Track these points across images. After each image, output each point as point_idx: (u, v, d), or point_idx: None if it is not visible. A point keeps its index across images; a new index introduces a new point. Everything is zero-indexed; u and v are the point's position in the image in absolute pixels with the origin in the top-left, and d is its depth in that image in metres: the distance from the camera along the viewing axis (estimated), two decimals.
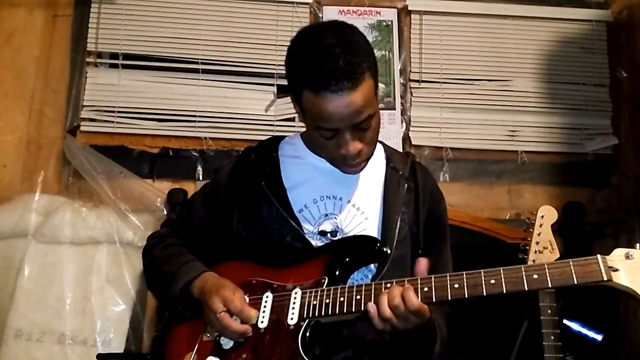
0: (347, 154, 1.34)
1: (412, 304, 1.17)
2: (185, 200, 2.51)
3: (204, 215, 1.56)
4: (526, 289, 1.15)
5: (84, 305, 2.35)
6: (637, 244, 1.17)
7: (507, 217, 2.69)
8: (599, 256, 1.14)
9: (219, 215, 1.52)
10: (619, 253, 1.14)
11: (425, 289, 1.20)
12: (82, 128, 2.64)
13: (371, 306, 1.20)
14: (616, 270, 1.12)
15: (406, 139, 2.75)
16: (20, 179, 2.58)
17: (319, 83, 1.26)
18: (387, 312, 1.18)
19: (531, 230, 1.88)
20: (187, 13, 2.74)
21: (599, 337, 2.02)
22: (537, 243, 1.85)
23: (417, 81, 2.80)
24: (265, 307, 1.32)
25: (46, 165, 2.61)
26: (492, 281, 1.17)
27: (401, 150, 2.31)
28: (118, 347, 2.33)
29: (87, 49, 2.70)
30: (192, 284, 1.38)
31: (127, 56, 2.70)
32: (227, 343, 1.32)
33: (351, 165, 1.39)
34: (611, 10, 2.90)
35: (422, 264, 1.28)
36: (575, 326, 2.13)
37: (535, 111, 2.81)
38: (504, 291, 1.16)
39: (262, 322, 1.30)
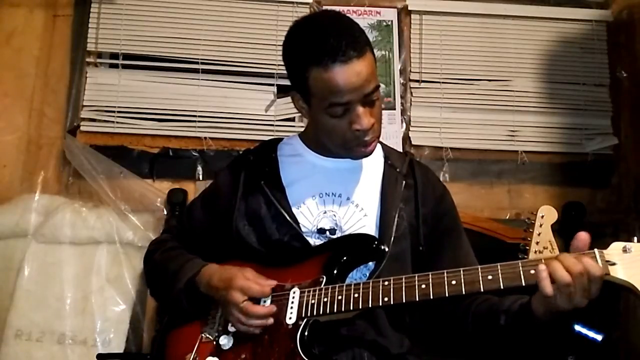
0: (361, 128, 1.34)
1: (595, 269, 1.09)
2: (185, 200, 2.51)
3: (204, 218, 1.57)
4: (523, 284, 1.15)
5: (84, 305, 2.35)
6: (635, 238, 1.15)
7: (507, 217, 2.69)
8: (596, 250, 1.14)
9: (219, 216, 1.52)
10: (616, 247, 1.14)
11: (423, 285, 1.21)
12: (82, 128, 2.64)
13: (542, 269, 1.11)
14: (613, 264, 1.12)
15: (406, 139, 2.75)
16: (20, 179, 2.58)
17: (326, 57, 1.28)
18: (565, 277, 1.09)
19: (531, 230, 1.87)
20: (187, 13, 2.73)
21: (599, 337, 2.01)
22: (537, 243, 1.85)
23: (417, 81, 2.80)
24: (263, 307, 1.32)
25: (46, 165, 2.60)
26: (490, 277, 1.17)
27: (401, 150, 2.31)
28: (118, 347, 2.32)
29: (87, 49, 2.69)
30: (197, 277, 1.39)
31: (127, 56, 2.70)
32: (226, 343, 1.32)
33: (365, 143, 1.38)
34: (611, 10, 2.89)
35: (582, 237, 1.17)
36: (575, 326, 2.13)
37: (535, 111, 2.80)
38: (501, 287, 1.16)
39: None
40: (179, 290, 1.39)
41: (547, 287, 1.11)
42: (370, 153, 1.43)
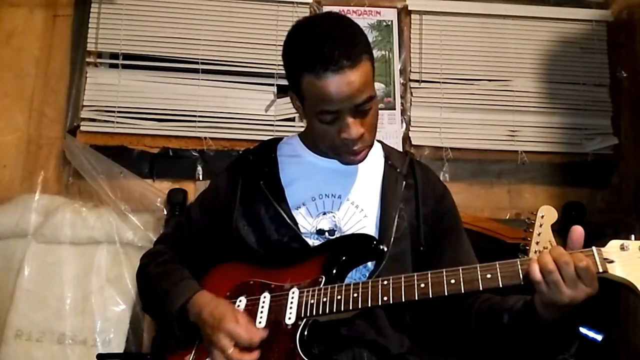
0: (350, 137, 1.33)
1: (581, 260, 1.09)
2: (185, 200, 2.51)
3: (204, 220, 1.55)
4: (522, 282, 1.15)
5: (84, 305, 2.35)
6: (632, 235, 1.16)
7: (507, 217, 2.69)
8: (594, 248, 1.14)
9: (219, 217, 1.52)
10: (614, 244, 1.14)
11: (422, 284, 1.21)
12: (82, 128, 2.64)
13: (533, 258, 1.13)
14: (612, 261, 1.12)
15: (406, 139, 2.75)
16: (20, 179, 2.58)
17: (319, 65, 1.27)
18: (550, 264, 1.11)
19: (531, 230, 1.87)
20: (187, 13, 2.74)
21: (599, 337, 2.01)
22: (537, 243, 1.84)
23: (417, 81, 2.80)
24: (263, 307, 1.32)
25: (46, 165, 2.60)
26: (489, 275, 1.17)
27: (401, 151, 2.31)
28: (118, 347, 2.32)
29: (87, 49, 2.69)
30: (188, 304, 1.34)
31: (127, 56, 2.70)
32: None
33: (353, 152, 1.38)
34: (611, 10, 2.89)
35: (578, 231, 1.18)
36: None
37: (535, 111, 2.81)
38: (500, 285, 1.16)
39: (260, 322, 1.30)
40: (172, 315, 1.34)
41: (535, 272, 1.12)
42: (360, 161, 1.42)
